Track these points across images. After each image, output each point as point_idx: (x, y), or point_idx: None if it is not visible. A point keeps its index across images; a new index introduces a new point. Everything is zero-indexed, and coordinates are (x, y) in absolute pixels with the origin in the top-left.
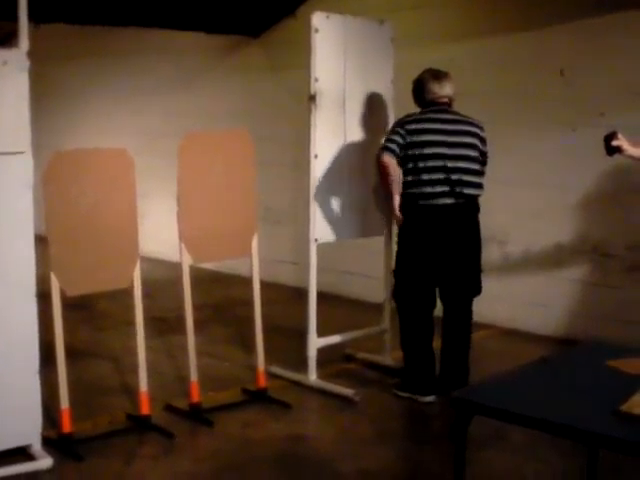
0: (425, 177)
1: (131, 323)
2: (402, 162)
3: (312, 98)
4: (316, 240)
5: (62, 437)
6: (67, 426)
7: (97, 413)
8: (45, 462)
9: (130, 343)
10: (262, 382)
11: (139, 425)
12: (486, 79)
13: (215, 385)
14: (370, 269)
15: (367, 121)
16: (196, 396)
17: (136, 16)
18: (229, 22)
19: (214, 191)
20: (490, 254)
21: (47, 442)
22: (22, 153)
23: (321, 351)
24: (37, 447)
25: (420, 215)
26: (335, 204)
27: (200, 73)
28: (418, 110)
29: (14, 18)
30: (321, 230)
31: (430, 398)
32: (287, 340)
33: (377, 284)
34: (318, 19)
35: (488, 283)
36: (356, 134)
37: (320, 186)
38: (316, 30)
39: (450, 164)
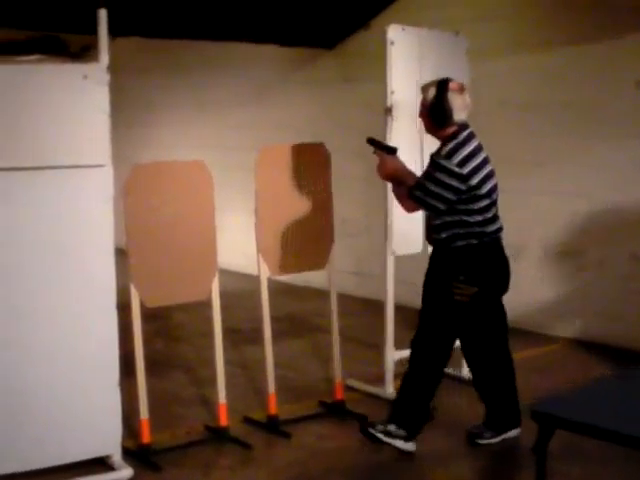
0: (489, 215)
1: (206, 334)
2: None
3: (388, 110)
4: (393, 253)
5: (141, 448)
6: (146, 437)
7: (174, 424)
8: (125, 472)
9: (206, 354)
10: (339, 395)
11: (217, 436)
12: (557, 90)
13: (291, 397)
14: None
15: None
16: (273, 408)
17: (210, 29)
18: (303, 34)
19: (291, 203)
20: (563, 267)
21: (126, 452)
22: (102, 166)
23: (397, 364)
24: (117, 457)
25: (489, 254)
26: (412, 217)
27: (273, 85)
28: (449, 135)
29: (88, 31)
30: (398, 243)
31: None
32: (362, 352)
33: None
34: (394, 31)
35: (560, 296)
36: (432, 146)
37: None
38: (392, 42)
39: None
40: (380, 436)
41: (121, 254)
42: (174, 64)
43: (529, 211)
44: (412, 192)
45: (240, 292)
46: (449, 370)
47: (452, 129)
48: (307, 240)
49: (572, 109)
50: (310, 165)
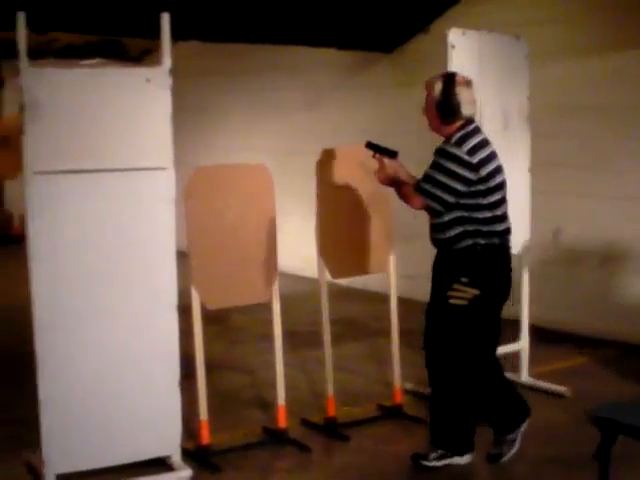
0: (499, 212)
1: (264, 337)
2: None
3: None
4: None
5: (200, 448)
6: (205, 438)
7: (233, 425)
8: (184, 473)
9: (264, 357)
10: (398, 398)
11: (275, 438)
12: (618, 93)
13: (349, 400)
14: None
15: (503, 138)
16: (332, 411)
17: (269, 33)
18: (361, 38)
19: (352, 206)
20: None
21: (185, 453)
22: (165, 169)
23: None
24: (176, 458)
25: (496, 257)
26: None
27: (331, 89)
28: (455, 130)
29: (148, 35)
30: None
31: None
32: (419, 355)
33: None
34: (454, 35)
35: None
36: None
37: None
38: (452, 46)
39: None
40: (435, 463)
41: (182, 257)
42: (233, 68)
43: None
44: (419, 185)
45: (297, 295)
46: (508, 375)
47: (459, 123)
48: (367, 243)
49: (634, 112)
50: (370, 168)
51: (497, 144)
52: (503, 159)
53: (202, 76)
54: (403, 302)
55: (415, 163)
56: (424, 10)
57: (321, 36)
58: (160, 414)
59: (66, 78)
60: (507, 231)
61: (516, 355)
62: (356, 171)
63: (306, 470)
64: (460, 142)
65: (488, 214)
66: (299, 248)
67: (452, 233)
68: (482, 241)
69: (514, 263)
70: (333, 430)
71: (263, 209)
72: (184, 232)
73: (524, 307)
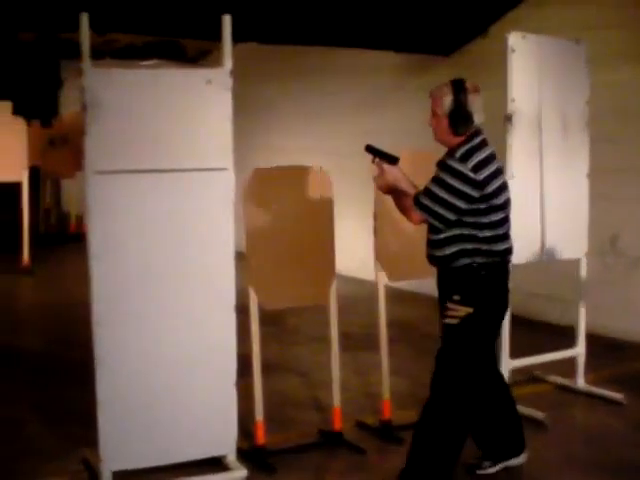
0: (501, 231)
1: (319, 338)
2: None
3: (508, 118)
4: (511, 262)
5: (255, 449)
6: (261, 438)
7: (287, 426)
8: (240, 473)
9: (318, 358)
10: None
11: (330, 440)
12: None
13: (403, 403)
14: (553, 290)
15: (562, 142)
16: (387, 413)
17: (327, 36)
18: (420, 41)
19: None
20: None
21: (240, 453)
22: (225, 170)
23: (513, 372)
24: (232, 458)
25: (493, 277)
26: (531, 226)
27: (389, 92)
28: (462, 142)
29: (206, 37)
30: (517, 252)
31: None
32: None
33: (561, 306)
34: (514, 39)
35: None
36: (551, 155)
37: (516, 207)
38: (512, 50)
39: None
40: (492, 470)
41: (239, 258)
42: (291, 70)
43: None
44: (418, 200)
45: (352, 297)
46: (563, 381)
47: (467, 134)
48: (425, 247)
49: None
50: (428, 173)
51: (556, 149)
52: (562, 164)
53: (261, 78)
54: None
55: None
56: (483, 13)
57: (379, 39)
58: (216, 413)
59: (128, 79)
60: (508, 251)
61: (572, 361)
62: (415, 176)
63: (360, 472)
64: (466, 157)
65: (489, 233)
66: (353, 250)
67: (448, 251)
68: (480, 260)
69: (571, 269)
70: (388, 433)
71: (321, 211)
72: (241, 233)
73: (581, 313)
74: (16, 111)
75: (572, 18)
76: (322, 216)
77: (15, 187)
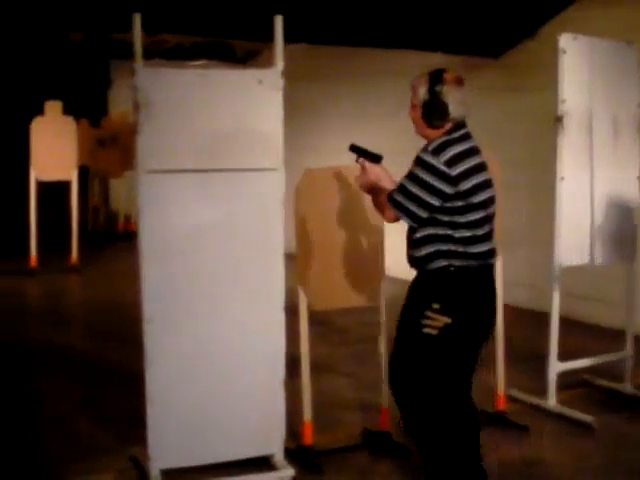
0: (480, 232)
1: (367, 339)
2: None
3: (559, 120)
4: (560, 264)
5: (303, 449)
6: (309, 438)
7: (334, 427)
8: (287, 472)
9: (366, 359)
10: (501, 405)
11: (377, 441)
12: None
13: None
14: (604, 294)
15: (613, 144)
16: None
17: (376, 37)
18: (469, 43)
19: None
20: None
21: (287, 453)
22: (275, 170)
23: (561, 375)
24: (279, 457)
25: (472, 282)
26: (581, 228)
27: None
28: (440, 135)
29: (254, 37)
30: (566, 254)
31: None
32: (523, 363)
33: (612, 309)
34: (565, 40)
35: None
36: (602, 157)
37: (566, 209)
38: (563, 51)
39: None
40: None
41: (287, 258)
42: (340, 71)
43: None
44: (391, 196)
45: (400, 297)
46: (609, 384)
47: (447, 127)
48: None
49: None
50: None
51: (606, 151)
52: (612, 167)
53: (309, 79)
54: (505, 309)
55: (523, 167)
56: (532, 15)
57: (428, 40)
58: (264, 413)
59: (180, 79)
60: (488, 253)
61: (619, 365)
62: None
63: (407, 474)
64: (439, 150)
65: (467, 233)
66: (403, 250)
67: (424, 252)
68: (457, 263)
69: (620, 272)
70: None
71: (370, 211)
72: (290, 234)
73: (629, 316)
74: (66, 111)
75: (622, 19)
76: (371, 217)
77: (64, 186)
